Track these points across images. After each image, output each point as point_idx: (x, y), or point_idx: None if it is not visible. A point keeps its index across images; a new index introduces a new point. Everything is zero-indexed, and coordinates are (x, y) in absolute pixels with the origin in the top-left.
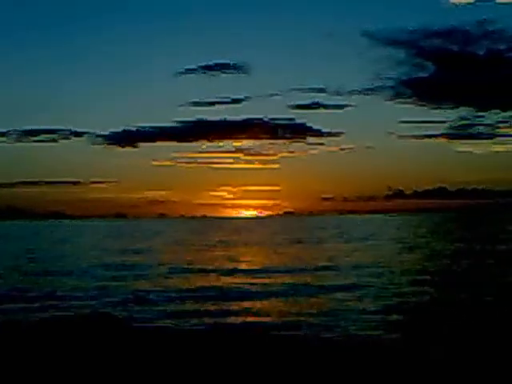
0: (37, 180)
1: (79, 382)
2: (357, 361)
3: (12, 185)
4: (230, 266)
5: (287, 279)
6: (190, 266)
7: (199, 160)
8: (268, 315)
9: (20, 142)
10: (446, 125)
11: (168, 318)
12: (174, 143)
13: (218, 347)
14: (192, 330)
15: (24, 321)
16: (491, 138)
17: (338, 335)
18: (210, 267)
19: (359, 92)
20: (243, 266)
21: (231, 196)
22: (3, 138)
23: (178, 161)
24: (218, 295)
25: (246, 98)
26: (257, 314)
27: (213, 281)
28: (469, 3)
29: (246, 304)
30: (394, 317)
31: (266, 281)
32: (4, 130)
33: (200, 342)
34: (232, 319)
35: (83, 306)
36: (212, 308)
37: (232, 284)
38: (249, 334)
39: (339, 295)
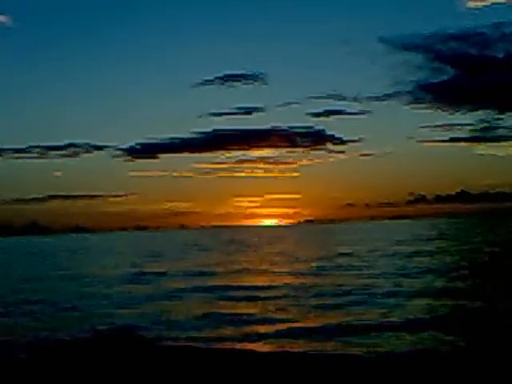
0: (57, 194)
1: None
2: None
3: (33, 200)
4: None
5: None
6: None
7: (219, 170)
8: None
9: (42, 157)
10: (467, 128)
11: None
12: (194, 154)
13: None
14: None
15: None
16: None
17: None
18: None
19: (378, 98)
20: None
21: (252, 205)
22: (26, 154)
23: (198, 171)
24: None
25: (265, 108)
26: None
27: None
28: (485, 6)
29: None
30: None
31: None
32: (27, 146)
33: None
34: None
35: None
36: None
37: None
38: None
39: None
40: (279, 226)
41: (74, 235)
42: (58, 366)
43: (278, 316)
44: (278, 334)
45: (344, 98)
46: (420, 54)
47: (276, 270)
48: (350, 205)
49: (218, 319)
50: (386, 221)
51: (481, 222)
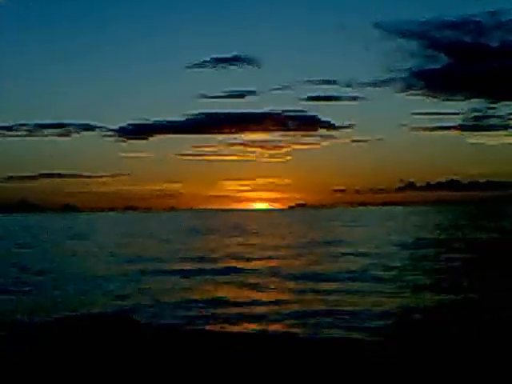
0: (48, 173)
1: (95, 382)
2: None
3: (24, 178)
4: None
5: None
6: None
7: (210, 153)
8: None
9: (32, 136)
10: (459, 116)
11: None
12: (186, 136)
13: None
14: (209, 331)
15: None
16: (504, 130)
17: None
18: None
19: (371, 84)
20: None
21: (242, 189)
22: (15, 132)
23: (189, 154)
24: None
25: (258, 91)
26: None
27: None
28: None
29: None
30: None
31: None
32: (16, 124)
33: (217, 342)
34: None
35: None
36: None
37: None
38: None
39: None
40: (270, 210)
41: (64, 214)
42: (49, 348)
43: (268, 299)
44: (264, 317)
45: (337, 84)
46: (414, 41)
47: (270, 254)
48: (340, 190)
49: (210, 302)
50: (375, 207)
51: (471, 210)
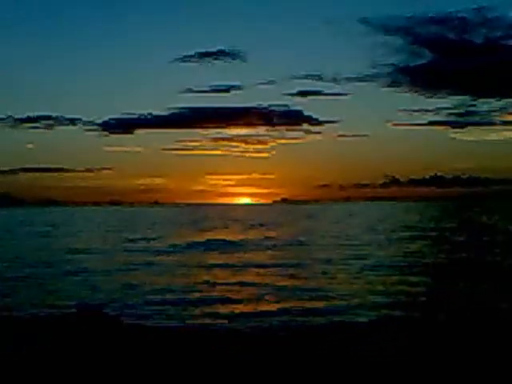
0: (30, 167)
1: (72, 381)
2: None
3: (5, 172)
4: None
5: None
6: None
7: (194, 147)
8: None
9: (14, 128)
10: (443, 112)
11: None
12: (170, 130)
13: (213, 346)
14: (187, 328)
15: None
16: (488, 126)
17: None
18: None
19: (356, 79)
20: None
21: (226, 183)
22: None
23: (173, 148)
24: None
25: (243, 86)
26: None
27: None
28: None
29: None
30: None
31: None
32: None
33: (196, 340)
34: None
35: None
36: None
37: None
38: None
39: None
40: (254, 205)
41: (47, 208)
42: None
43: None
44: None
45: (323, 79)
46: (400, 37)
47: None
48: (324, 185)
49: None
50: (361, 202)
51: (455, 206)
